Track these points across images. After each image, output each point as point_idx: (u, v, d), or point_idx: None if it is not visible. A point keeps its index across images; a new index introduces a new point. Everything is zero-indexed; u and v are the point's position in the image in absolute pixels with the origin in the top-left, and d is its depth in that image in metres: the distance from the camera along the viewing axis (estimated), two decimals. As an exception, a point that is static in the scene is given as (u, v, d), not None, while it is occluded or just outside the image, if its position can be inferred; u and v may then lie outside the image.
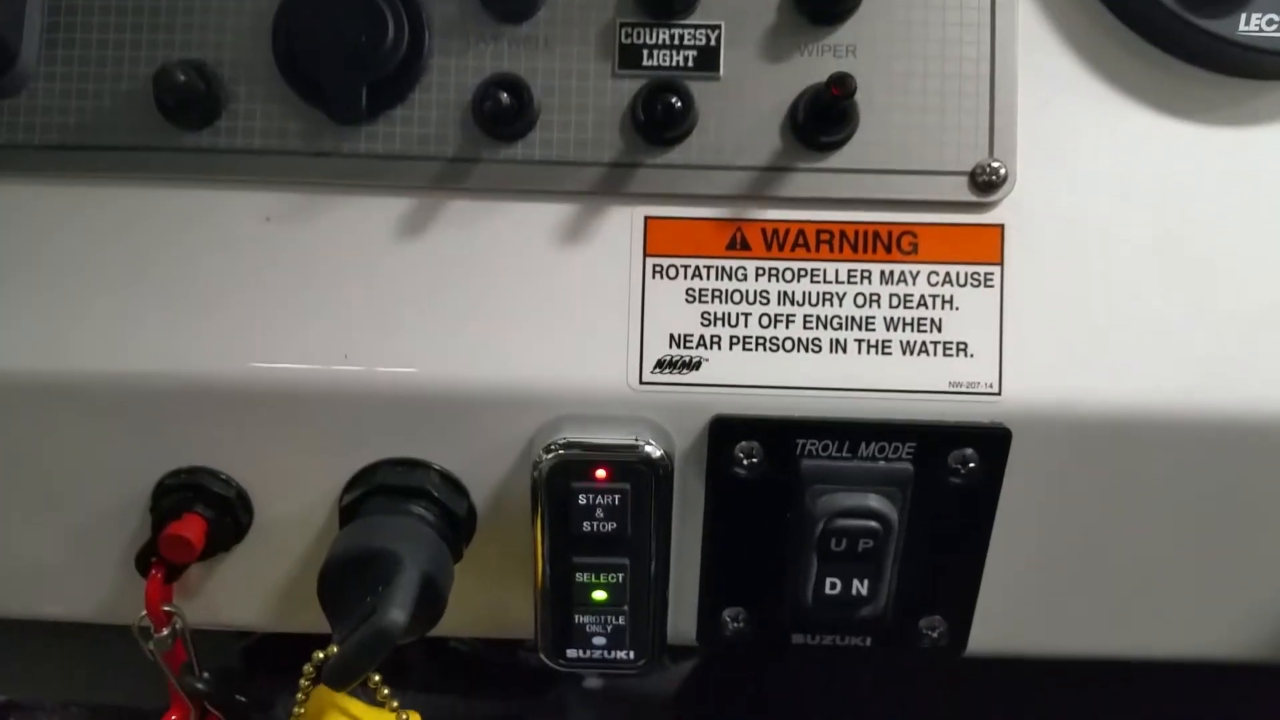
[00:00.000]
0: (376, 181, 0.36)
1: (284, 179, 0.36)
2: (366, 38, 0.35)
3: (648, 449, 0.36)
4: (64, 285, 0.36)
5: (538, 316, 0.36)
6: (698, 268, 0.36)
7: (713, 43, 0.36)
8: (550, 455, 0.35)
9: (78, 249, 0.36)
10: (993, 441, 0.36)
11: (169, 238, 0.36)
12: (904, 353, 0.36)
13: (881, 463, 0.36)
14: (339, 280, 0.36)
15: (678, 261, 0.36)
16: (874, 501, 0.36)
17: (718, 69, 0.36)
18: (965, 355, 0.36)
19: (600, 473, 0.36)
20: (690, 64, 0.36)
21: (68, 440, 0.37)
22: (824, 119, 0.35)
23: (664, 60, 0.36)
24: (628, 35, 0.36)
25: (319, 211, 0.36)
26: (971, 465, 0.36)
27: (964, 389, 0.36)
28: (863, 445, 0.36)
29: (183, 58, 0.35)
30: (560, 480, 0.36)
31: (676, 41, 0.36)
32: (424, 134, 0.36)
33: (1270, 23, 0.36)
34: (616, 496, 0.36)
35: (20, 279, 0.36)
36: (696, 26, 0.36)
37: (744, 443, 0.36)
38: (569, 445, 0.36)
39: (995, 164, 0.36)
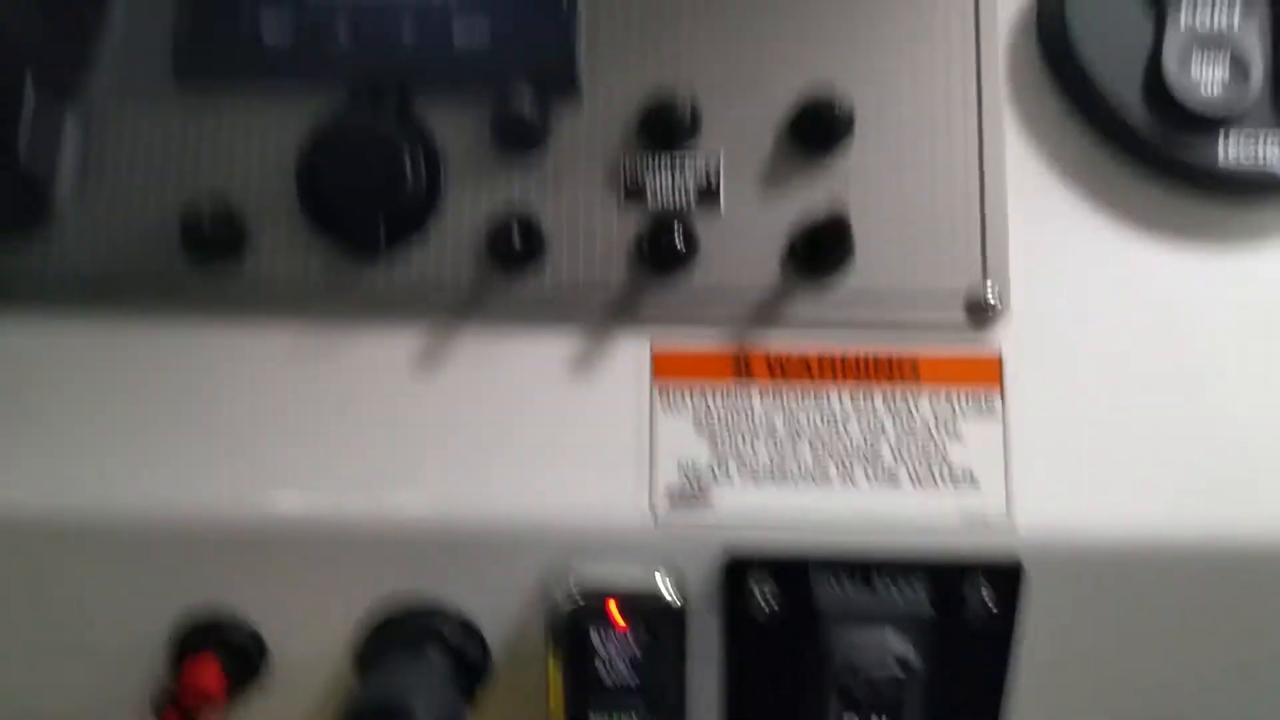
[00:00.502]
0: (393, 314, 0.37)
1: (304, 313, 0.37)
2: (385, 176, 0.36)
3: (663, 589, 0.36)
4: (83, 422, 0.37)
5: (548, 449, 0.37)
6: (705, 395, 0.37)
7: (713, 175, 0.38)
8: (563, 596, 0.36)
9: (99, 385, 0.37)
10: (1007, 575, 0.36)
11: (189, 374, 0.37)
12: (912, 483, 0.37)
13: (898, 599, 0.36)
14: (353, 416, 0.37)
15: (685, 389, 0.37)
16: (893, 642, 0.36)
17: (718, 200, 0.38)
18: (972, 484, 0.37)
19: (615, 614, 0.35)
20: (692, 196, 0.38)
21: (83, 580, 0.37)
22: (820, 250, 0.37)
23: (666, 193, 0.38)
24: (631, 170, 0.38)
25: (337, 346, 0.37)
26: (988, 600, 0.36)
27: (974, 521, 0.36)
28: (878, 581, 0.36)
29: (209, 195, 0.37)
30: (573, 623, 0.35)
31: (678, 175, 0.38)
32: (438, 267, 0.37)
33: (1247, 147, 0.38)
34: (632, 639, 0.36)
35: (41, 415, 0.37)
36: (696, 159, 0.38)
37: (758, 579, 0.36)
38: (582, 585, 0.36)
39: (990, 291, 0.37)
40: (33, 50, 0.37)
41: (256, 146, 0.38)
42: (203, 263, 0.37)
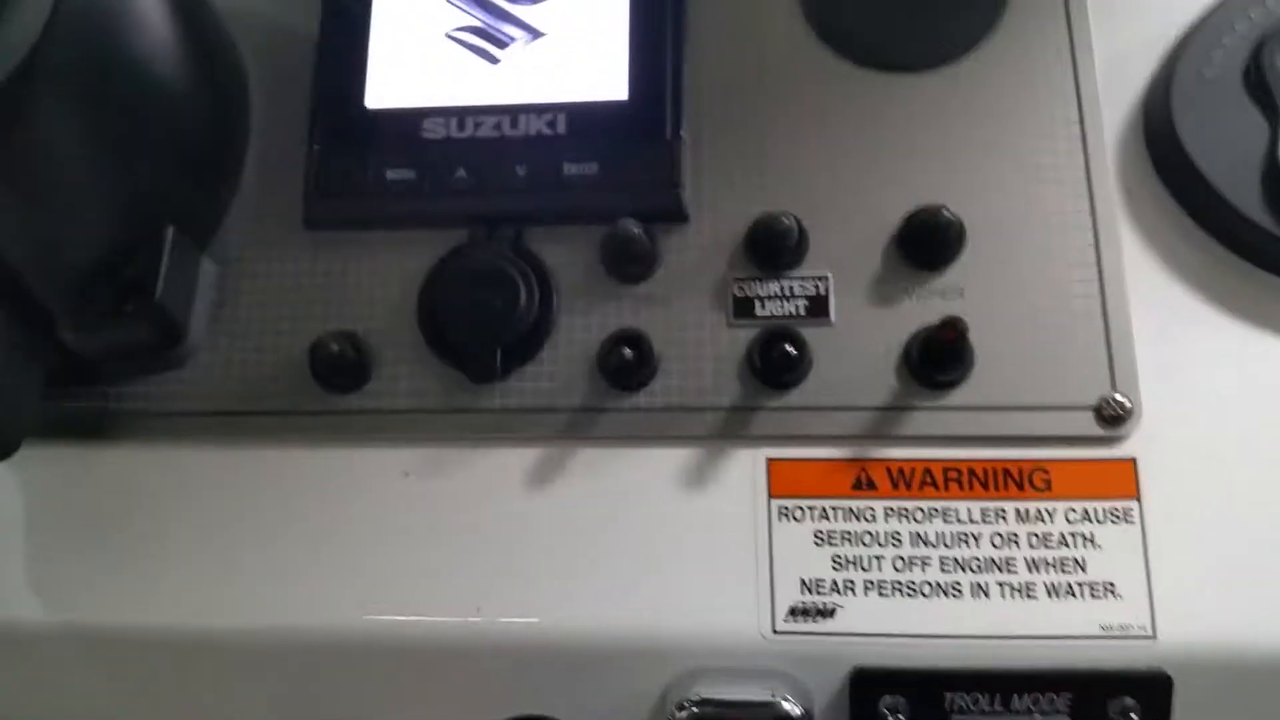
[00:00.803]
0: (509, 434, 0.40)
1: (424, 436, 0.41)
2: (501, 305, 0.40)
3: (786, 707, 0.36)
4: (215, 543, 0.40)
5: (665, 564, 0.38)
6: (824, 509, 0.39)
7: (822, 292, 0.41)
8: (683, 714, 0.36)
9: (230, 509, 0.41)
10: (1153, 689, 0.36)
11: (316, 496, 0.41)
12: (1049, 595, 0.37)
13: (1038, 716, 0.36)
14: (470, 532, 0.39)
15: (803, 503, 0.39)
16: (1035, 763, 0.35)
17: (829, 315, 0.40)
18: (1113, 596, 0.36)
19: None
20: (802, 312, 0.41)
21: (210, 695, 0.40)
22: (938, 360, 0.38)
23: (776, 310, 0.41)
24: (740, 289, 0.41)
25: (454, 465, 0.40)
26: (1133, 714, 0.36)
27: (1115, 633, 0.36)
28: (1015, 697, 0.36)
29: (336, 329, 0.41)
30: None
31: (787, 292, 0.41)
32: (553, 388, 0.40)
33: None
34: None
35: (175, 538, 0.41)
36: (805, 278, 0.41)
37: (888, 697, 0.36)
38: (702, 703, 0.36)
39: (1119, 397, 0.38)
40: (175, 203, 0.42)
41: (381, 282, 0.42)
42: (331, 392, 0.41)
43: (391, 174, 0.43)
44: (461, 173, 0.43)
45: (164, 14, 0.41)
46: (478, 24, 0.44)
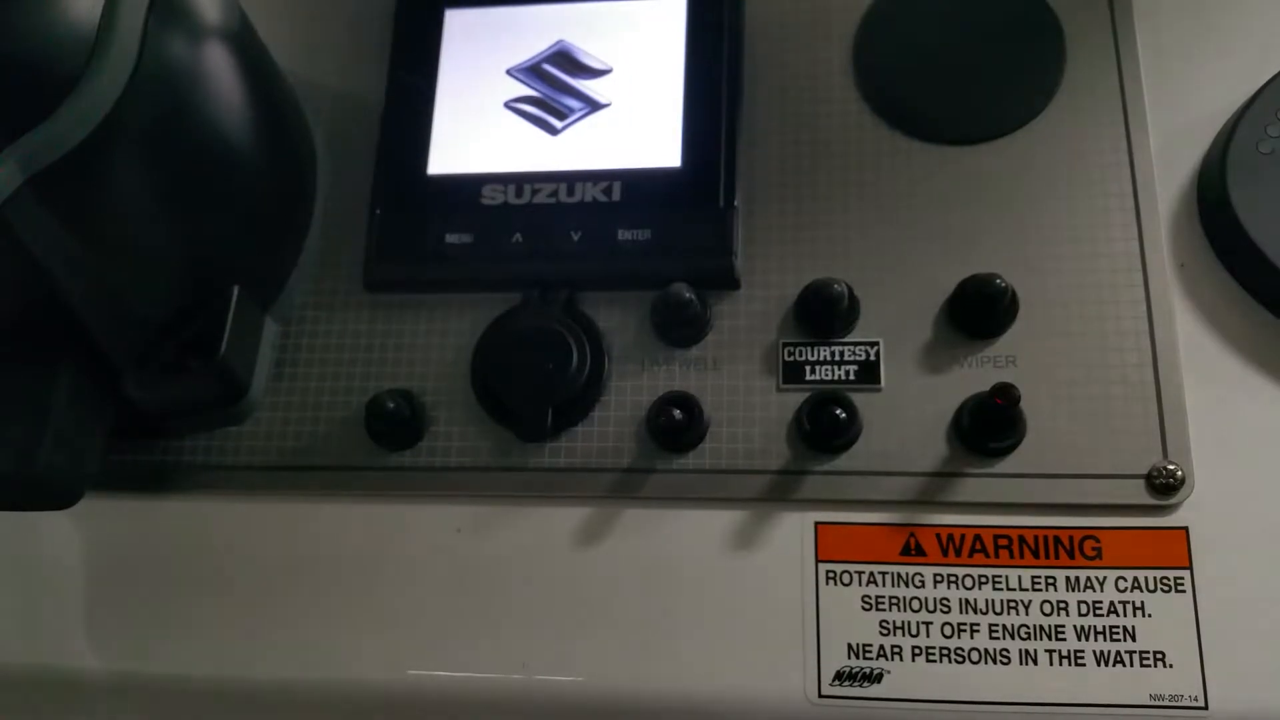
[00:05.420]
0: (558, 493, 0.44)
1: (475, 493, 0.44)
2: (553, 366, 0.44)
3: None
4: (268, 596, 0.44)
5: (710, 625, 0.41)
6: (872, 574, 0.41)
7: (872, 357, 0.44)
8: None
9: (284, 562, 0.45)
10: None
11: (368, 551, 0.44)
12: (1098, 663, 0.39)
13: None
14: (518, 589, 0.43)
15: (851, 567, 0.41)
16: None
17: (879, 381, 0.44)
18: (1164, 665, 0.39)
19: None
20: (852, 377, 0.44)
21: None
22: (990, 426, 0.41)
23: (826, 375, 0.44)
24: (790, 354, 0.44)
25: (504, 522, 0.44)
26: None
27: (1166, 703, 0.38)
28: None
29: (392, 387, 0.45)
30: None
31: (837, 358, 0.44)
32: (602, 448, 0.44)
33: None
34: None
35: (229, 590, 0.45)
36: (856, 344, 0.44)
37: None
38: None
39: (1171, 466, 0.41)
40: (241, 262, 0.47)
41: (436, 343, 0.47)
42: (385, 449, 0.45)
43: (450, 238, 0.47)
44: (518, 237, 0.47)
45: (237, 80, 0.46)
46: (537, 95, 0.49)
